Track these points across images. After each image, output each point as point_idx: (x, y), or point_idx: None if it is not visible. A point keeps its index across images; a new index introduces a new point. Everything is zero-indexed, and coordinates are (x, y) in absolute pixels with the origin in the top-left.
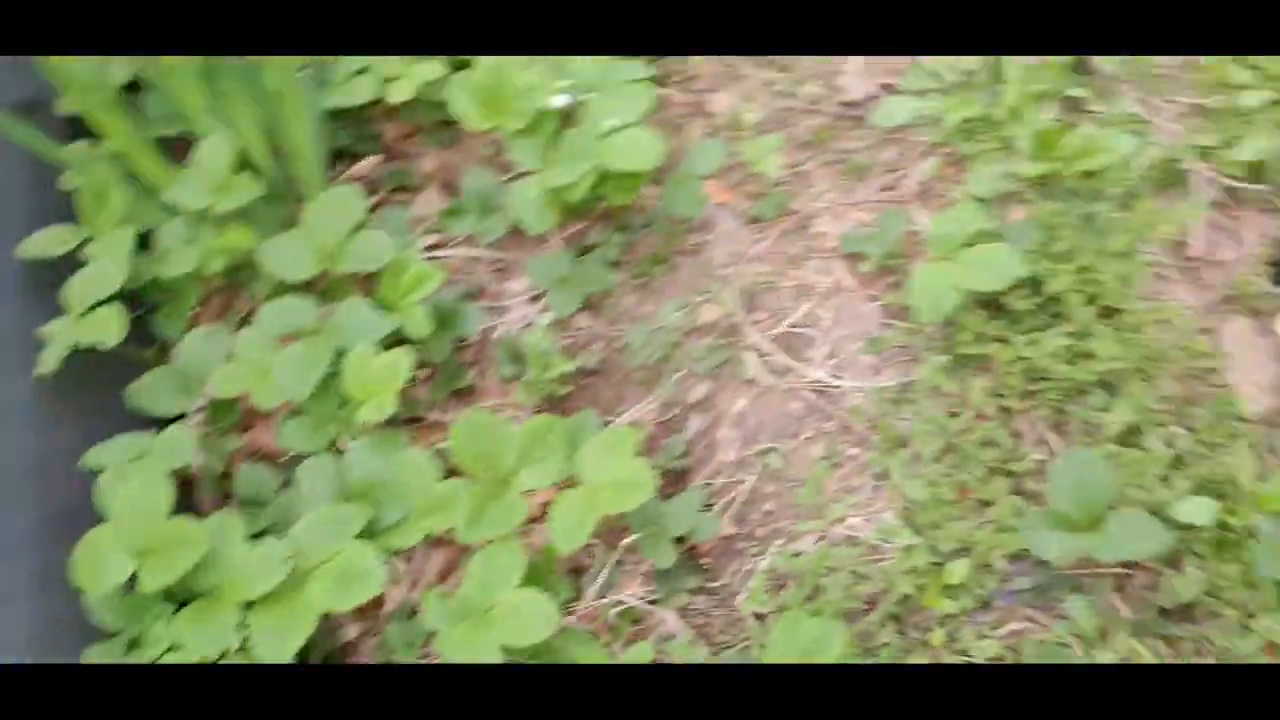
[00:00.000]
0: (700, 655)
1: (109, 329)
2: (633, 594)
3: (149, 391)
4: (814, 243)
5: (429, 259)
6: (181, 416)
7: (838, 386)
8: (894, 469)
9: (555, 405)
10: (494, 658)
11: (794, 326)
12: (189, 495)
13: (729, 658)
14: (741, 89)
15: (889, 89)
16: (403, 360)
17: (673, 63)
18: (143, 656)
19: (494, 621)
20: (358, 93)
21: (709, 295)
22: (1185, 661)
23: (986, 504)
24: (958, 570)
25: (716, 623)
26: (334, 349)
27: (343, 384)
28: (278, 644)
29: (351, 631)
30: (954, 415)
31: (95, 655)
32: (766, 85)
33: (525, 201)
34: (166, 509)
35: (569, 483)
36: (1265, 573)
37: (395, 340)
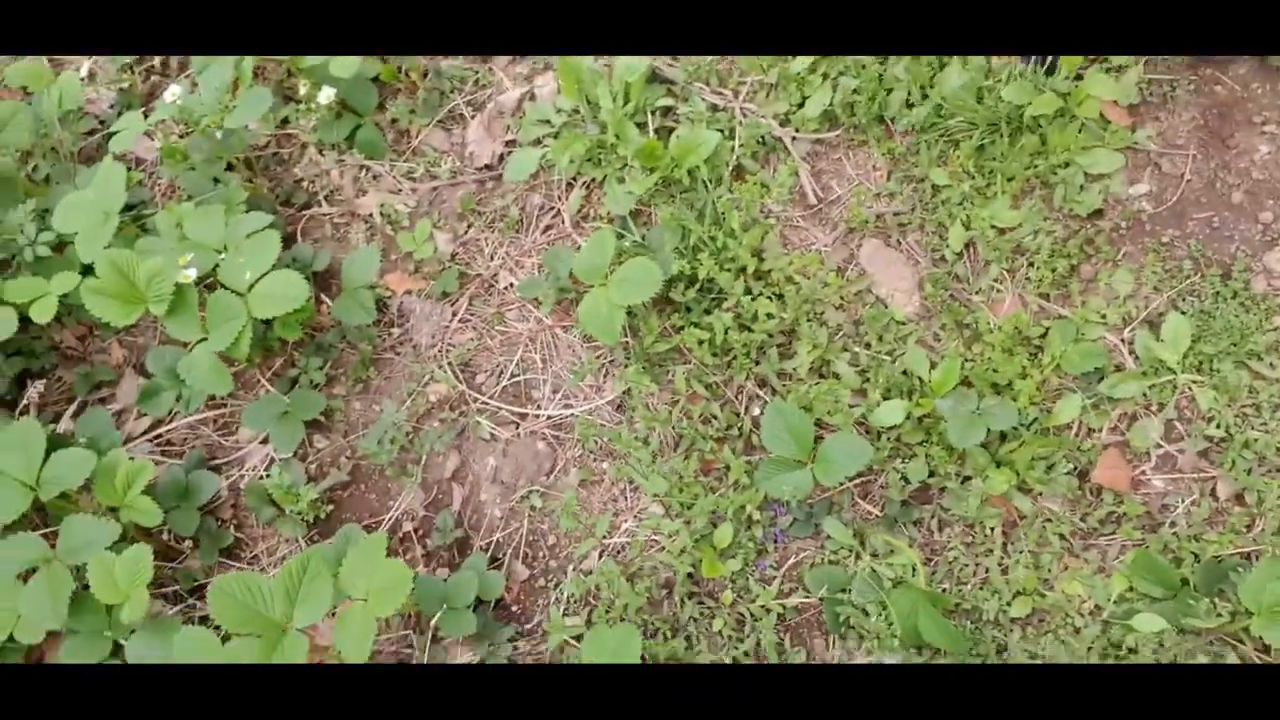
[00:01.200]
0: None
1: None
2: (463, 662)
3: None
4: (504, 297)
5: (152, 441)
6: None
7: (570, 415)
8: (640, 470)
9: (323, 526)
10: None
11: (514, 377)
12: None
13: None
14: (386, 185)
15: (511, 145)
16: (141, 555)
17: (306, 184)
18: None
19: None
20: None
21: (428, 378)
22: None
23: (726, 469)
24: (723, 535)
25: (544, 658)
26: (72, 568)
27: (95, 596)
28: None
29: None
30: (672, 405)
31: None
32: (408, 175)
33: (199, 372)
34: None
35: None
36: (960, 444)
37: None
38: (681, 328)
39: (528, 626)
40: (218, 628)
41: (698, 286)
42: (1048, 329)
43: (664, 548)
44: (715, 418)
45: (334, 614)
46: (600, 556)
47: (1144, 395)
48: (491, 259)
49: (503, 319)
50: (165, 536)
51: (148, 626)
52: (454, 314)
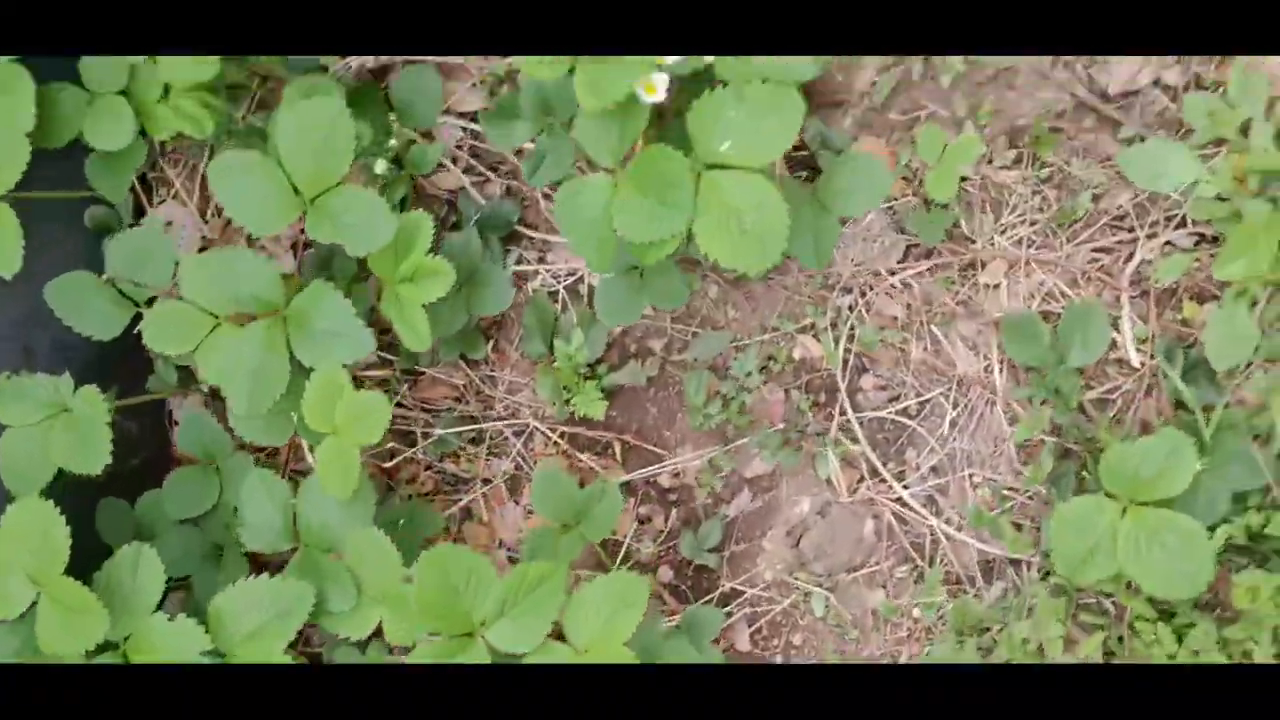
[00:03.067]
0: None
1: None
2: None
3: None
4: (973, 298)
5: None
6: None
7: (928, 524)
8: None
9: (578, 422)
10: None
11: (904, 414)
12: None
13: None
14: None
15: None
16: (382, 408)
17: None
18: None
19: None
20: None
21: (809, 323)
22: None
23: None
24: None
25: None
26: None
27: (304, 409)
28: None
29: None
30: None
31: None
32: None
33: None
34: None
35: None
36: None
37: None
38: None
39: None
40: None
41: None
42: None
43: None
44: None
45: None
46: None
47: None
48: (1003, 234)
49: (948, 324)
50: None
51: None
52: (899, 263)
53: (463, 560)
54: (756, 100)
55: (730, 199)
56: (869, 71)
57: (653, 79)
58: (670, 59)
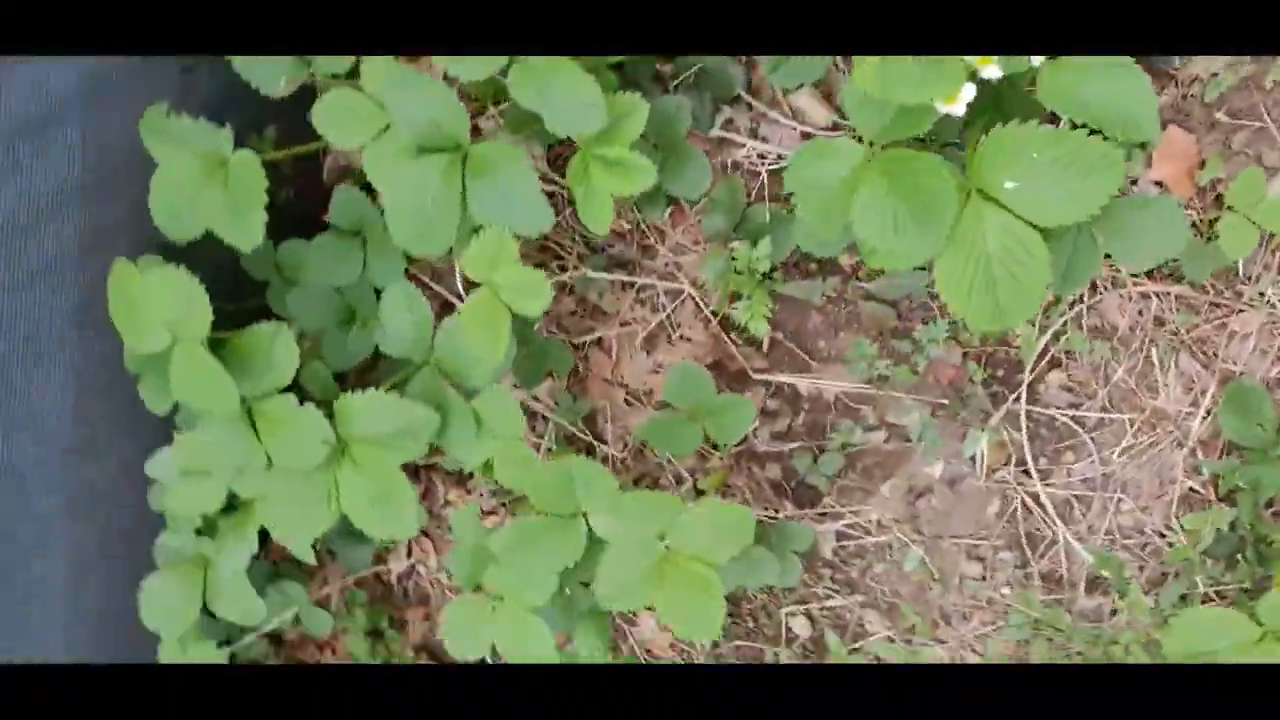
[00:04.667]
0: None
1: None
2: None
3: None
4: (1211, 339)
5: None
6: None
7: (1055, 527)
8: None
9: (733, 302)
10: None
11: (1078, 422)
12: None
13: None
14: None
15: None
16: (541, 289)
17: None
18: None
19: None
20: None
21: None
22: None
23: None
24: None
25: None
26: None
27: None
28: None
29: None
30: None
31: None
32: None
33: None
34: None
35: None
36: None
37: None
38: None
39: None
40: None
41: None
42: None
43: None
44: None
45: None
46: None
47: None
48: None
49: None
50: None
51: None
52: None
53: (584, 468)
54: (1076, 153)
55: (991, 243)
56: (1214, 61)
57: (961, 89)
58: (987, 71)
